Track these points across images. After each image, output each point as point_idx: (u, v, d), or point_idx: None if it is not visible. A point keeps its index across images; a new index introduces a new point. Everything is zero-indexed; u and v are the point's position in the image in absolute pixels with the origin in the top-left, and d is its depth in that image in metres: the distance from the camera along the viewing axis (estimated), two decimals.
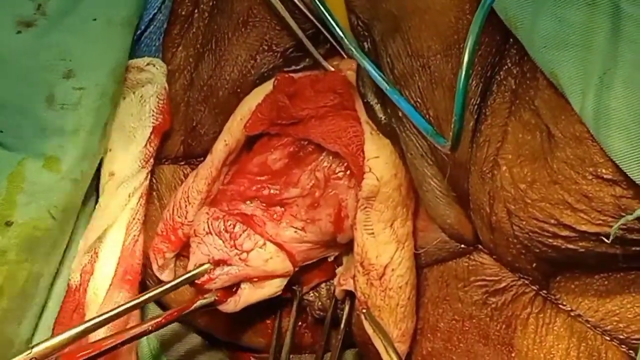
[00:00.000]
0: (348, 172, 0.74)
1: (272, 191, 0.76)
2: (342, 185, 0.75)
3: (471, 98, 0.68)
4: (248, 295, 0.76)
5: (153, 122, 0.77)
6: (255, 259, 0.75)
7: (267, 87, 0.75)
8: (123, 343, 0.71)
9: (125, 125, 0.77)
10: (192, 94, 0.78)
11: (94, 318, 0.71)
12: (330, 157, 0.75)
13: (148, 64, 0.77)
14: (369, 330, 0.74)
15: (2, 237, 0.71)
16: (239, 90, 0.77)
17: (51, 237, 0.74)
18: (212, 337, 0.84)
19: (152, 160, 0.78)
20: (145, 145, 0.77)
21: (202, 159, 0.79)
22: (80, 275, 0.76)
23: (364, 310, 0.74)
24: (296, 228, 0.75)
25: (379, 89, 0.70)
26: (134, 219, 0.77)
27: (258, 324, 0.82)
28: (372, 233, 0.73)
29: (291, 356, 0.80)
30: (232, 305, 0.76)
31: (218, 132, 0.78)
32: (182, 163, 0.81)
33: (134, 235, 0.77)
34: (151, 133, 0.76)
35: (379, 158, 0.72)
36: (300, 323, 0.82)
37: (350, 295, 0.78)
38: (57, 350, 0.68)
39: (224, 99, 0.78)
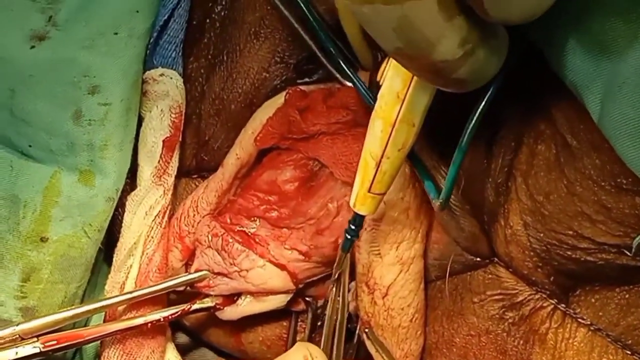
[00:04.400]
0: None
1: (280, 214, 0.75)
2: (351, 213, 0.73)
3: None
4: (248, 306, 0.76)
5: (164, 136, 0.75)
6: (255, 278, 0.74)
7: (279, 100, 0.74)
8: (109, 335, 0.72)
9: (147, 140, 0.76)
10: (204, 106, 0.78)
11: (83, 305, 0.71)
12: (343, 189, 0.74)
13: (161, 75, 0.75)
14: (371, 350, 0.74)
15: (38, 253, 0.71)
16: (251, 103, 0.76)
17: (86, 257, 0.73)
18: (224, 353, 0.84)
19: (166, 176, 0.76)
20: (159, 160, 0.76)
21: (214, 172, 0.78)
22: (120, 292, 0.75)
23: (366, 330, 0.74)
24: (300, 251, 0.74)
25: None
26: (149, 236, 0.76)
27: (271, 339, 0.81)
28: (379, 254, 0.72)
29: None
30: (229, 313, 0.76)
31: (231, 145, 0.77)
32: (195, 176, 0.81)
33: (148, 254, 0.75)
34: (162, 147, 0.75)
35: None
36: (318, 337, 0.80)
37: None
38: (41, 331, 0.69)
39: (237, 112, 0.77)
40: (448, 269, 0.72)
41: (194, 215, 0.77)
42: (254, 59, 0.75)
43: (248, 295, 0.76)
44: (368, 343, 0.75)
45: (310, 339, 0.79)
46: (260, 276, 0.74)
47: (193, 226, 0.77)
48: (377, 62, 0.71)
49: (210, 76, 0.77)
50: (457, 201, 0.69)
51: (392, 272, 0.73)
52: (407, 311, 0.74)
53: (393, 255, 0.72)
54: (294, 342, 0.79)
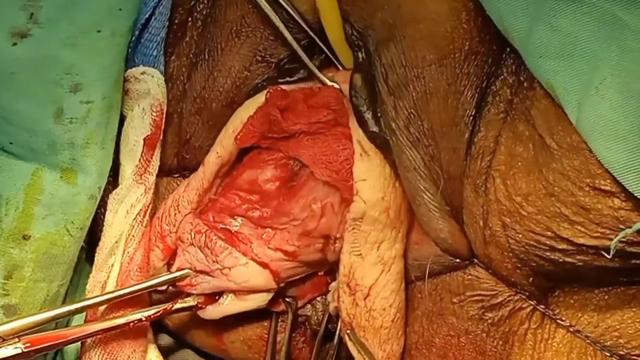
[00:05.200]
0: (342, 203, 0.73)
1: (262, 214, 0.75)
2: (337, 215, 0.74)
3: (467, 109, 0.67)
4: (230, 305, 0.75)
5: (145, 135, 0.75)
6: (237, 276, 0.74)
7: (260, 98, 0.74)
8: (90, 335, 0.71)
9: (129, 139, 0.76)
10: (186, 105, 0.77)
11: (64, 306, 0.71)
12: (325, 189, 0.74)
13: (143, 73, 0.75)
14: (354, 351, 0.74)
15: (20, 250, 0.70)
16: (232, 102, 0.76)
17: (68, 255, 0.73)
18: (207, 355, 0.84)
19: (147, 175, 0.76)
20: (140, 159, 0.76)
21: (196, 171, 0.78)
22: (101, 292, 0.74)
23: (348, 331, 0.74)
24: (285, 251, 0.74)
25: (372, 100, 0.69)
26: (130, 235, 0.75)
27: (252, 339, 0.80)
28: (360, 254, 0.72)
29: None
30: (211, 312, 0.76)
31: (212, 144, 0.76)
32: (176, 175, 0.80)
33: (129, 253, 0.75)
34: (143, 146, 0.75)
35: (366, 181, 0.71)
36: (299, 337, 0.81)
37: None
38: (22, 332, 0.68)
39: (218, 111, 0.76)
40: (427, 269, 0.72)
41: (175, 214, 0.77)
42: (236, 58, 0.75)
43: (230, 294, 0.75)
44: (350, 344, 0.75)
45: (290, 339, 0.79)
46: (243, 274, 0.74)
47: (174, 225, 0.76)
48: (358, 62, 0.71)
49: (191, 75, 0.77)
50: (437, 202, 0.69)
51: (373, 272, 0.72)
52: (389, 311, 0.73)
53: (374, 255, 0.72)
54: (274, 342, 0.79)
